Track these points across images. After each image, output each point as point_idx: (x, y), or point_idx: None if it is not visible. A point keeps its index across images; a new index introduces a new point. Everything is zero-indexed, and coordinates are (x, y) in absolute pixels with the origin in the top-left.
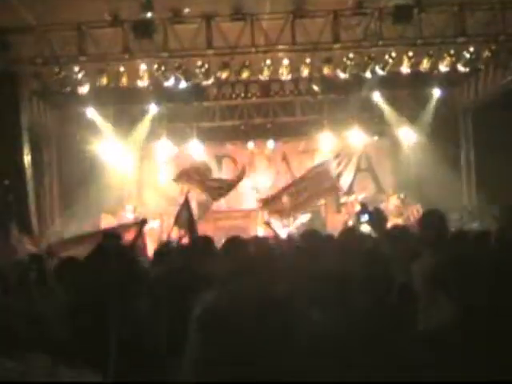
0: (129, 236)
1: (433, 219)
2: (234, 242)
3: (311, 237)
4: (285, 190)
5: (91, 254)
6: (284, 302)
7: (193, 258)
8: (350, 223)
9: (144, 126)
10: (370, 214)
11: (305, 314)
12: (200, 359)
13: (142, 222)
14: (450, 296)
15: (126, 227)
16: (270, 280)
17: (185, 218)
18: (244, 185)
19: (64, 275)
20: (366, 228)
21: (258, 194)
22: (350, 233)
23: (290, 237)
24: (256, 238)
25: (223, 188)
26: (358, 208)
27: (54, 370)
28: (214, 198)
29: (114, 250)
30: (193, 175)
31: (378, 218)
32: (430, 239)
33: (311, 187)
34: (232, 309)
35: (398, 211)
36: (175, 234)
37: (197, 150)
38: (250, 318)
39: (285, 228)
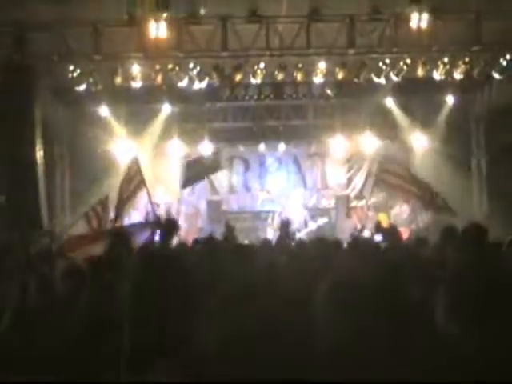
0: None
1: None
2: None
3: (320, 245)
4: None
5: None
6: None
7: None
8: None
9: (156, 125)
10: (384, 234)
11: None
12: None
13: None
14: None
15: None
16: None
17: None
18: (255, 187)
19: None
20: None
21: (268, 195)
22: (361, 243)
23: (300, 243)
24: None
25: None
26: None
27: None
28: None
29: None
30: None
31: (392, 237)
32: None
33: None
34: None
35: (408, 219)
36: None
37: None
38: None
39: (296, 232)
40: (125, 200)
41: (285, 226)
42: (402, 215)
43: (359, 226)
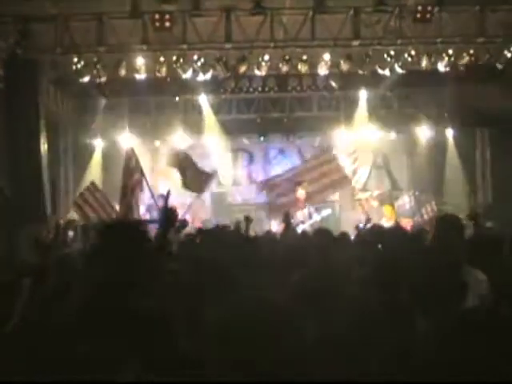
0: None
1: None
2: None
3: (323, 236)
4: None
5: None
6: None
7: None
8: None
9: (160, 117)
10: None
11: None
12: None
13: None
14: None
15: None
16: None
17: None
18: (259, 179)
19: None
20: None
21: None
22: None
23: (303, 234)
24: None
25: (204, 180)
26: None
27: None
28: (198, 191)
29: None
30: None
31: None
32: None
33: (322, 178)
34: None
35: (411, 210)
36: None
37: (211, 142)
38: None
39: (300, 224)
40: (131, 191)
41: (286, 217)
42: (405, 206)
43: (365, 219)
